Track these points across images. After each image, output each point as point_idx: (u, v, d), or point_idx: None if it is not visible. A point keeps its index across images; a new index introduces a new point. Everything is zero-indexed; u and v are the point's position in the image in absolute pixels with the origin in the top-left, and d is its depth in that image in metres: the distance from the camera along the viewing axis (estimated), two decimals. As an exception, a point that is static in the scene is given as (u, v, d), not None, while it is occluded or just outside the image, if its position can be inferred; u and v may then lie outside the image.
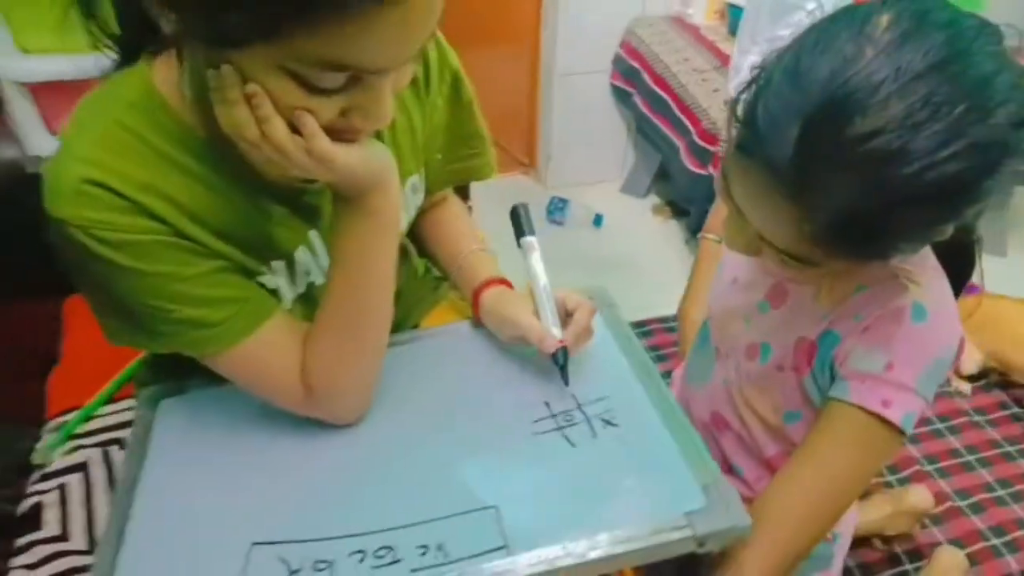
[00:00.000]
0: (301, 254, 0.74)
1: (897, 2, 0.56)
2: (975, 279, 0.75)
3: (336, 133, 0.57)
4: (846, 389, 0.69)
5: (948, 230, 0.60)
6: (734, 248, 0.69)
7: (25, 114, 1.42)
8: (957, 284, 0.72)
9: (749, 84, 0.62)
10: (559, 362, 0.76)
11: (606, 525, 0.64)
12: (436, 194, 0.92)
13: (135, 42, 0.62)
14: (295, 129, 0.55)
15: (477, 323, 0.87)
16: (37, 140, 1.45)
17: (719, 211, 1.00)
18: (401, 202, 0.68)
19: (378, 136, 0.74)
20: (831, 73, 0.54)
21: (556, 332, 0.77)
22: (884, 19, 0.55)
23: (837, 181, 0.55)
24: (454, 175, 0.91)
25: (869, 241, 0.59)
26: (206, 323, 0.65)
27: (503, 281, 0.86)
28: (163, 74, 0.61)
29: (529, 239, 0.82)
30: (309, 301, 0.77)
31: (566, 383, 0.77)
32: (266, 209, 0.69)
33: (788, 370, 0.76)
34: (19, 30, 1.36)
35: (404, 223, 0.84)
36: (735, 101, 0.63)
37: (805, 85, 0.55)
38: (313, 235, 0.75)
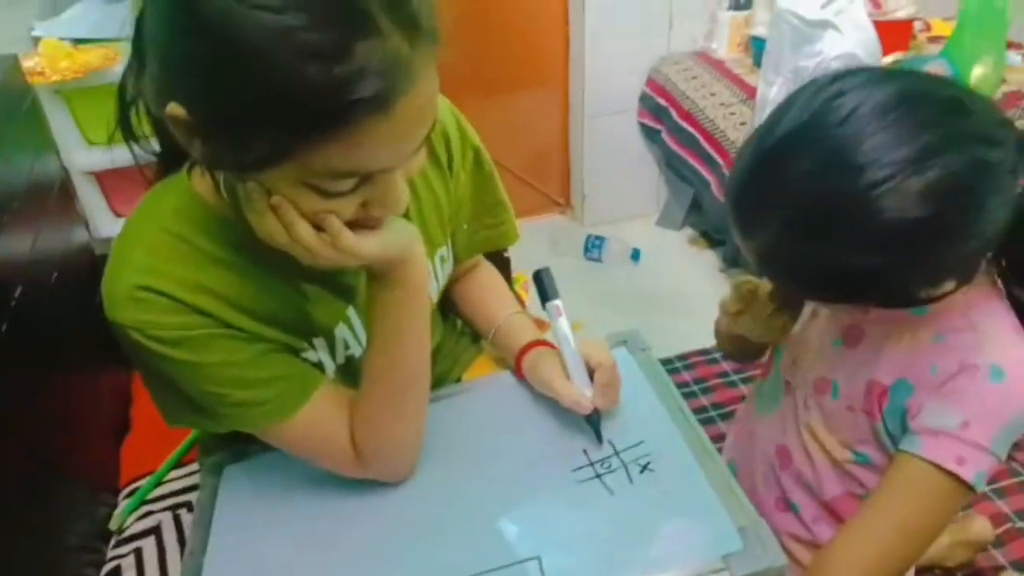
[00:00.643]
0: (340, 330, 0.79)
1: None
2: None
3: (359, 223, 0.62)
4: (919, 444, 0.69)
5: (948, 279, 0.64)
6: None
7: (93, 200, 1.54)
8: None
9: None
10: (594, 425, 0.80)
11: (645, 570, 0.67)
12: (467, 262, 0.97)
13: (174, 155, 0.68)
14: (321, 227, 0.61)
15: (520, 379, 0.91)
16: (104, 223, 1.57)
17: None
18: (428, 270, 0.73)
19: (407, 213, 0.80)
20: (766, 131, 0.64)
21: (588, 393, 0.81)
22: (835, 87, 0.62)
23: (768, 227, 0.64)
24: (481, 243, 0.96)
25: (829, 288, 0.66)
26: (259, 402, 0.71)
27: (542, 343, 0.90)
28: (203, 179, 0.67)
29: (555, 303, 0.85)
30: (349, 372, 0.82)
31: (600, 442, 0.80)
32: (305, 291, 0.75)
33: (859, 412, 0.77)
34: (85, 123, 1.49)
35: (435, 292, 0.89)
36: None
37: (747, 153, 0.65)
38: (351, 312, 0.80)
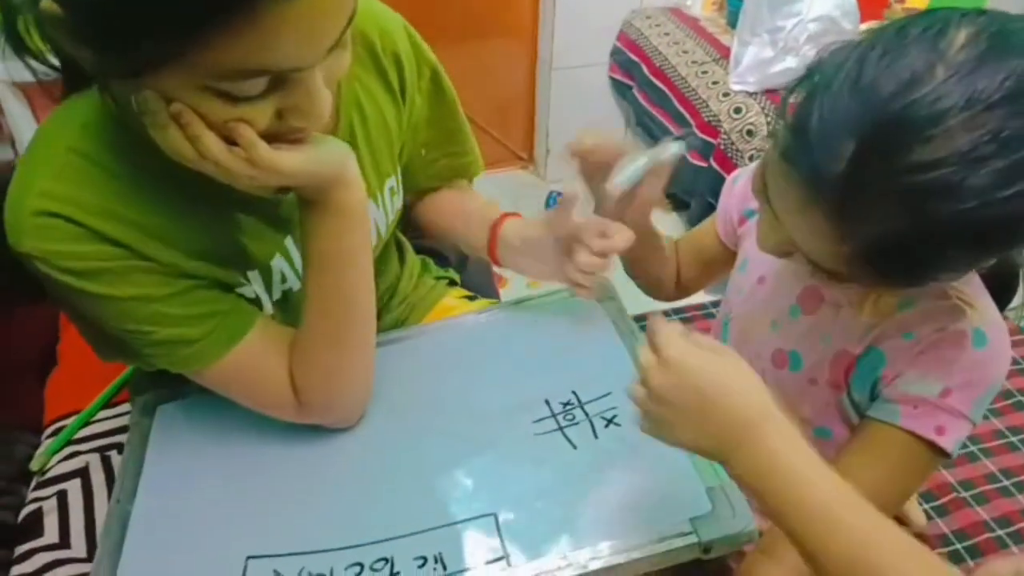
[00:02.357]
0: (277, 262, 0.73)
1: (977, 17, 0.52)
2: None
3: (279, 138, 0.55)
4: (895, 413, 0.67)
5: (991, 260, 0.58)
6: (764, 248, 0.66)
7: (19, 115, 1.42)
8: (999, 304, 0.70)
9: (799, 83, 0.58)
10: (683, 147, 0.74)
11: (608, 533, 0.63)
12: (435, 190, 0.92)
13: (74, 69, 0.59)
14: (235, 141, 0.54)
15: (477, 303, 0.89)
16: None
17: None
18: (364, 190, 0.66)
19: (352, 135, 0.74)
20: (896, 91, 0.50)
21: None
22: (961, 36, 0.50)
23: (885, 207, 0.51)
24: (443, 172, 0.91)
25: (907, 271, 0.56)
26: (187, 340, 0.64)
27: (517, 216, 0.86)
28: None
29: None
30: (287, 308, 0.76)
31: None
32: (238, 222, 0.68)
33: (823, 385, 0.74)
34: (9, 30, 1.36)
35: (384, 225, 0.83)
36: (783, 98, 0.60)
37: (866, 100, 0.51)
38: (288, 242, 0.73)
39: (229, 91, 0.49)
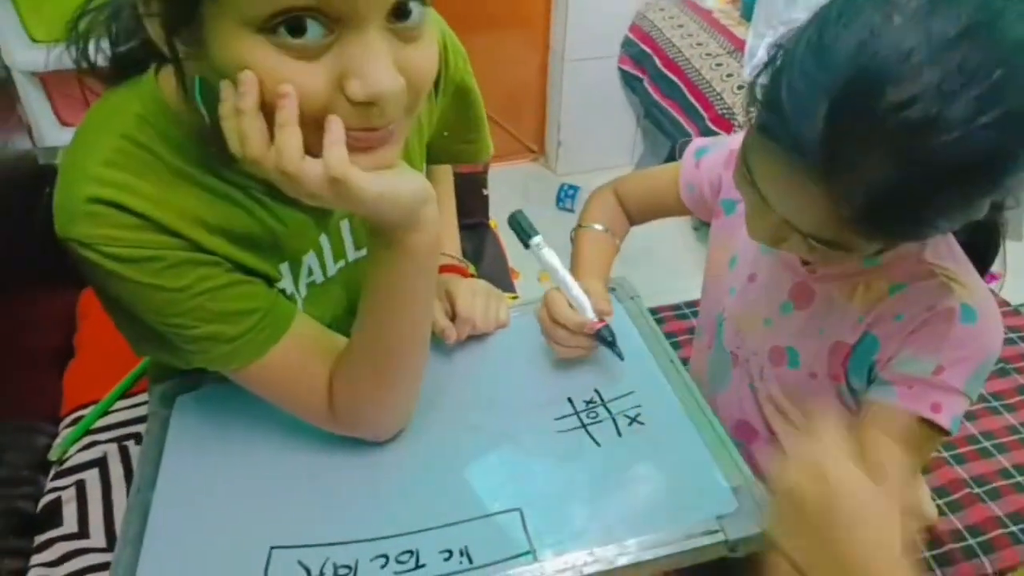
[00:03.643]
0: (308, 257, 0.72)
1: None
2: (997, 266, 0.73)
3: (352, 141, 0.51)
4: (892, 393, 0.67)
5: (985, 206, 0.57)
6: (757, 238, 0.66)
7: (37, 105, 1.41)
8: (979, 270, 0.71)
9: (767, 64, 0.59)
10: (607, 340, 0.76)
11: (634, 529, 0.63)
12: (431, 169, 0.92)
13: (141, 53, 0.59)
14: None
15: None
16: (49, 131, 1.44)
17: (600, 200, 0.97)
18: (437, 238, 0.63)
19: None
20: (858, 44, 0.51)
21: (591, 315, 0.76)
22: None
23: (871, 157, 0.51)
24: (455, 155, 0.91)
25: (907, 219, 0.55)
26: (228, 337, 0.63)
27: (454, 268, 0.88)
28: (170, 85, 0.58)
29: (536, 239, 0.79)
30: (313, 304, 0.75)
31: (622, 358, 0.77)
32: (281, 217, 0.67)
33: (824, 377, 0.74)
34: (30, 18, 1.34)
35: None
36: (752, 84, 0.61)
37: (831, 60, 0.52)
38: (323, 239, 0.73)
39: (282, 41, 0.47)
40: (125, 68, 0.61)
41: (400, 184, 0.56)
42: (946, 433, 0.66)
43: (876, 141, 0.51)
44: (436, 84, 0.78)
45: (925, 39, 0.49)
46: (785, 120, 0.54)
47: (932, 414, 0.65)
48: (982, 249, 0.71)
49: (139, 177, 0.58)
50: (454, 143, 0.88)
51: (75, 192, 0.56)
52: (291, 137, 0.49)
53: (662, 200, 0.93)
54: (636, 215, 0.97)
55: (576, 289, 0.77)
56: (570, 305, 0.77)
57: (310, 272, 0.74)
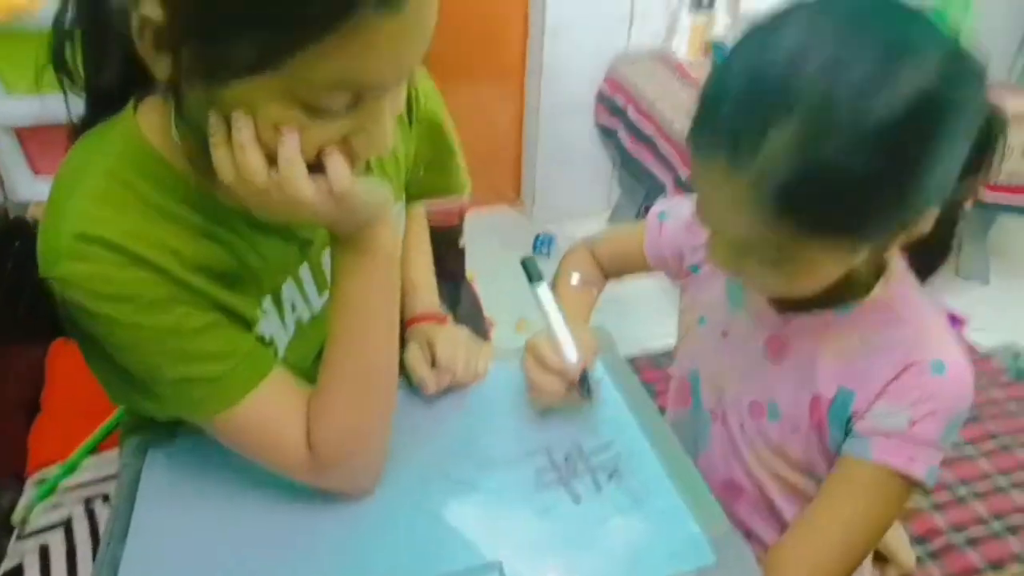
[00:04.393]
0: (288, 289, 0.72)
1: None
2: (959, 312, 0.74)
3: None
4: (867, 447, 0.67)
5: (921, 221, 0.58)
6: (720, 265, 0.66)
7: (10, 157, 1.40)
8: (926, 274, 0.72)
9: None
10: (591, 383, 0.77)
11: (615, 586, 0.62)
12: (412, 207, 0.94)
13: (118, 91, 0.60)
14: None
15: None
16: (20, 182, 1.43)
17: (576, 257, 0.99)
18: (398, 236, 0.67)
19: (368, 165, 0.74)
20: (757, 48, 0.56)
21: (576, 357, 0.76)
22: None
23: (772, 141, 0.53)
24: (431, 188, 0.93)
25: (830, 205, 0.55)
26: (205, 378, 0.62)
27: (430, 317, 0.89)
28: (150, 121, 0.60)
29: (542, 284, 0.80)
30: (301, 341, 0.75)
31: (593, 400, 0.78)
32: (260, 245, 0.67)
33: (807, 431, 0.74)
34: (4, 68, 1.34)
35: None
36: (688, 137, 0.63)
37: (735, 67, 0.56)
38: (303, 270, 0.73)
39: (313, 102, 0.50)
40: (102, 105, 0.61)
41: (370, 184, 0.61)
42: (922, 485, 0.67)
43: (775, 119, 0.52)
44: (409, 109, 0.79)
45: (810, 32, 0.53)
46: (701, 121, 0.58)
47: (909, 468, 0.66)
48: (929, 261, 0.71)
49: (123, 214, 0.58)
50: (430, 174, 0.90)
51: (61, 229, 0.56)
52: (296, 167, 0.53)
53: (633, 262, 0.95)
54: (611, 273, 0.99)
55: (566, 332, 0.77)
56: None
57: (294, 308, 0.74)
